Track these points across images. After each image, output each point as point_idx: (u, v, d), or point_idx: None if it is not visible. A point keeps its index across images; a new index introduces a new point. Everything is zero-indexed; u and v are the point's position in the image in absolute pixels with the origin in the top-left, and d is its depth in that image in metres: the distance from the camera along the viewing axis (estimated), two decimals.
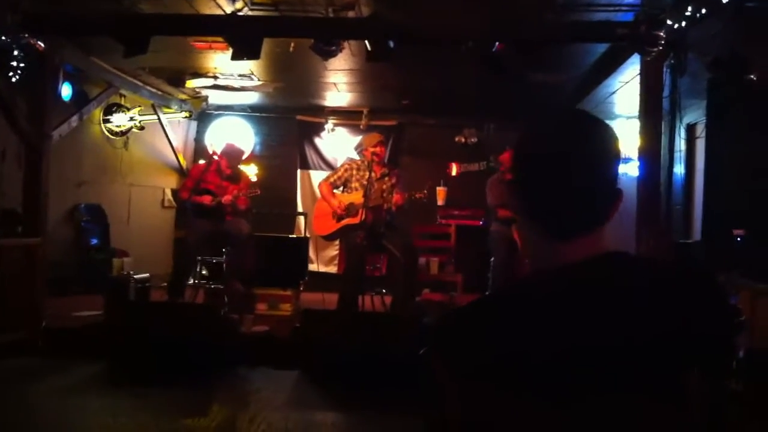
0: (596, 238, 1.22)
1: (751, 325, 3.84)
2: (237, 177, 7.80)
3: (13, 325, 6.32)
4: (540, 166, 1.23)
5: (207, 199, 7.43)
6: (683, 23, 5.21)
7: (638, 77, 6.34)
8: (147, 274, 7.53)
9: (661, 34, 5.41)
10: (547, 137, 1.25)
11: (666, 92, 5.75)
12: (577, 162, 1.20)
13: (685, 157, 6.81)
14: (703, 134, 5.67)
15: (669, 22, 5.36)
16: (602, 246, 1.22)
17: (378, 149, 7.18)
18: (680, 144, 6.76)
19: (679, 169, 6.70)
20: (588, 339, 1.11)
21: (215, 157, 7.91)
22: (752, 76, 5.16)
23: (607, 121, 1.28)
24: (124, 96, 9.53)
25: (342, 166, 7.63)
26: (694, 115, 6.63)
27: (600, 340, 1.11)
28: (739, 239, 5.02)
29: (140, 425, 4.86)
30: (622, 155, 1.24)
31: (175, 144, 10.70)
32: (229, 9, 6.25)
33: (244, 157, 8.50)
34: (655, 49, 5.50)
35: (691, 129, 6.86)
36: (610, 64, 7.02)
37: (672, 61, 5.59)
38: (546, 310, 1.15)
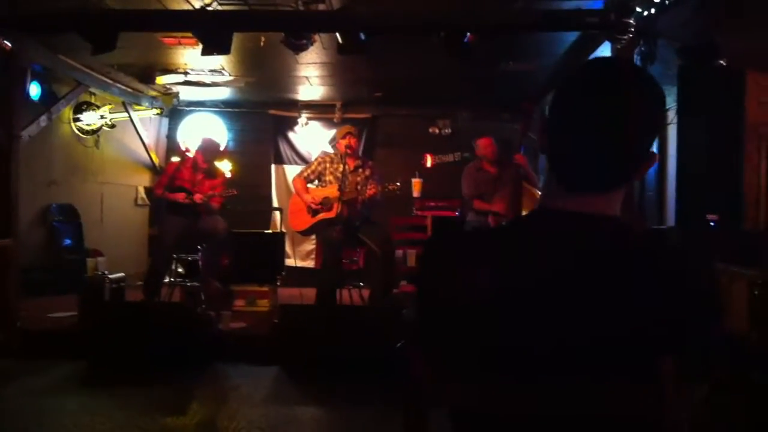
0: (604, 199, 1.19)
1: (727, 310, 3.88)
2: (213, 172, 7.75)
3: None
4: (565, 111, 1.21)
5: (181, 196, 7.37)
6: (653, 10, 5.24)
7: None
8: (122, 274, 7.46)
9: (631, 21, 5.43)
10: (583, 83, 1.21)
11: None
12: (603, 116, 1.16)
13: (658, 143, 6.86)
14: (675, 120, 5.69)
15: (639, 9, 5.38)
16: (607, 208, 1.19)
17: (350, 141, 7.15)
18: None
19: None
20: (541, 296, 1.12)
21: (188, 154, 7.84)
22: (722, 62, 5.19)
23: None
24: (94, 94, 9.42)
25: (315, 159, 7.60)
26: (666, 101, 6.67)
27: (555, 302, 1.11)
28: (713, 224, 5.06)
29: (118, 425, 4.81)
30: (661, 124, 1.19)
31: (147, 141, 10.61)
32: (197, 4, 6.19)
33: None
34: (625, 37, 5.53)
35: None
36: (582, 52, 7.04)
37: (642, 49, 5.62)
38: (509, 256, 1.17)
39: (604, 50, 6.46)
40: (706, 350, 1.09)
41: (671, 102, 6.22)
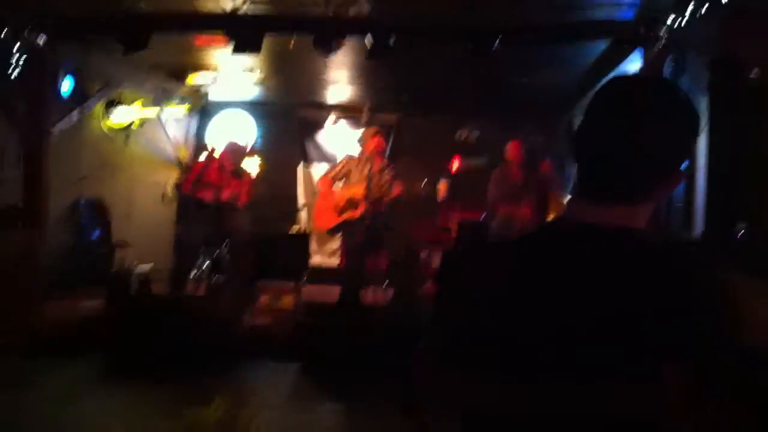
0: (628, 212, 1.20)
1: (750, 324, 3.85)
2: (239, 173, 7.81)
3: (14, 318, 6.34)
4: (593, 123, 1.22)
5: (208, 195, 7.43)
6: (683, 22, 5.20)
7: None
8: (148, 267, 7.52)
9: (661, 33, 5.40)
10: (612, 97, 1.22)
11: None
12: (630, 131, 1.16)
13: None
14: (704, 132, 5.65)
15: (669, 21, 5.35)
16: (629, 221, 1.19)
17: (377, 140, 7.17)
18: None
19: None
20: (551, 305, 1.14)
21: (215, 154, 7.90)
22: (752, 74, 5.14)
23: None
24: (125, 92, 9.49)
25: (342, 160, 7.62)
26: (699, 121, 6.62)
27: (564, 310, 1.13)
28: (740, 236, 5.02)
29: (142, 418, 4.88)
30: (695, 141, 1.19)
31: (175, 139, 10.69)
32: (228, 6, 6.23)
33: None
34: (655, 48, 5.50)
35: None
36: (610, 63, 7.01)
37: (672, 60, 5.58)
38: (522, 265, 1.21)
39: (634, 61, 6.43)
40: (717, 358, 1.10)
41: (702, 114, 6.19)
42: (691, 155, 6.83)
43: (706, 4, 4.87)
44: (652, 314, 1.08)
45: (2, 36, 6.21)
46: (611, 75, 6.13)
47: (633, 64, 6.58)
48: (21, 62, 6.41)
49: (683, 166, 1.22)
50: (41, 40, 6.50)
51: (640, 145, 1.16)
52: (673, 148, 1.20)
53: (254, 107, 10.99)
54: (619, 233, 1.18)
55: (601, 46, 6.71)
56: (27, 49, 6.43)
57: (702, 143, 6.05)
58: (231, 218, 7.53)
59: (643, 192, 1.20)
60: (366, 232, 6.95)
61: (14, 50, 6.35)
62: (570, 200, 1.29)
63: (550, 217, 6.94)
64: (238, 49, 6.42)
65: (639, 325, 1.08)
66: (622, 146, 1.16)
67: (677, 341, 1.07)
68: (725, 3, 4.62)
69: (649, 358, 1.07)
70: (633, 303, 1.09)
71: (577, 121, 1.27)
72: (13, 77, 6.42)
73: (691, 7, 5.02)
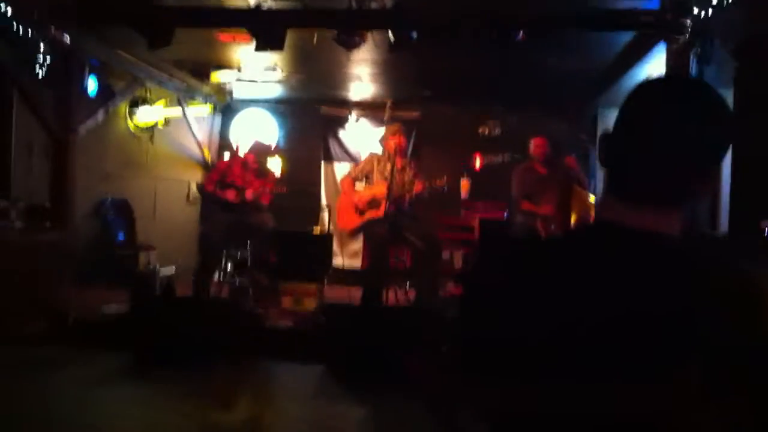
0: (664, 216, 1.19)
1: None
2: (263, 172, 7.84)
3: (39, 317, 6.39)
4: (630, 126, 1.21)
5: (231, 195, 7.46)
6: (710, 11, 5.14)
7: (664, 66, 6.27)
8: (172, 268, 7.56)
9: (687, 21, 5.34)
10: (650, 100, 1.22)
11: None
12: (669, 133, 1.16)
13: None
14: None
15: (695, 9, 5.28)
16: (666, 225, 1.19)
17: (398, 139, 7.15)
18: None
19: None
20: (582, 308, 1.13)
21: (239, 152, 7.93)
22: None
23: None
24: (150, 90, 9.57)
25: (363, 159, 7.62)
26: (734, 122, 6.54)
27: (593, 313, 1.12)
28: (766, 232, 4.94)
29: (167, 418, 4.89)
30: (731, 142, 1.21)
31: (199, 137, 10.75)
32: (252, 1, 6.25)
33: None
34: (681, 37, 5.44)
35: None
36: (636, 53, 6.93)
37: (698, 50, 5.52)
38: (559, 267, 1.19)
39: (659, 51, 6.36)
40: (740, 363, 1.08)
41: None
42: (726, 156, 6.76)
43: None
44: (689, 321, 1.07)
45: (28, 34, 6.27)
46: (636, 66, 6.08)
47: (658, 55, 6.51)
48: (47, 60, 6.46)
49: (719, 166, 1.22)
50: (67, 39, 6.55)
51: (678, 148, 1.16)
52: (710, 150, 1.20)
53: (277, 105, 11.01)
54: (659, 238, 1.17)
55: (626, 36, 6.64)
56: (53, 47, 6.49)
57: None
58: (254, 218, 7.55)
59: (682, 194, 1.19)
60: (388, 231, 6.93)
61: (40, 48, 6.40)
62: (604, 202, 1.26)
63: (574, 213, 6.89)
64: (260, 47, 6.43)
65: (679, 331, 1.07)
66: (661, 150, 1.16)
67: (710, 347, 1.06)
68: None
69: (679, 362, 1.06)
70: (669, 309, 1.08)
71: (605, 118, 1.25)
72: (39, 76, 6.47)
73: None
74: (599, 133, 8.33)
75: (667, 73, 1.31)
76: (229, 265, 7.93)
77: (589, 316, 1.11)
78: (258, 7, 6.27)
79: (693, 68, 5.68)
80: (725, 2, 4.93)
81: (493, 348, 1.20)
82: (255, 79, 9.22)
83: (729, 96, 5.59)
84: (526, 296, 1.18)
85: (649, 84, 1.26)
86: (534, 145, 7.42)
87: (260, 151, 7.90)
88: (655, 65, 6.98)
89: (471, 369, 1.27)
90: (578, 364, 1.11)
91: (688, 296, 1.09)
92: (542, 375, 1.14)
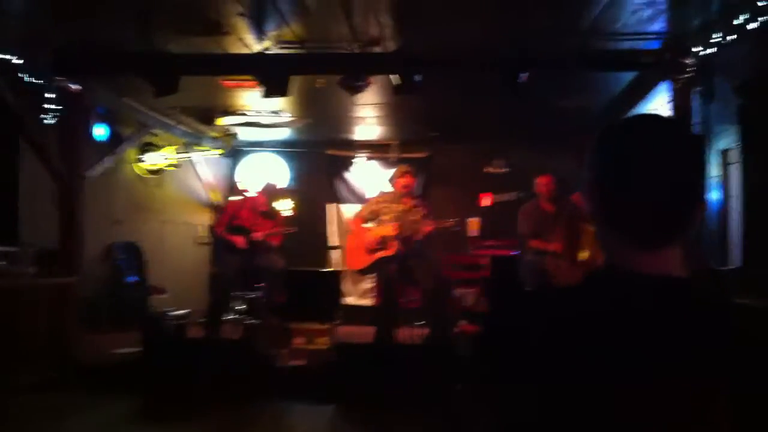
0: (672, 255, 1.19)
1: None
2: (272, 214, 7.88)
3: (48, 362, 6.39)
4: (619, 170, 1.20)
5: (240, 241, 7.48)
6: (710, 50, 5.17)
7: (668, 103, 6.29)
8: (184, 311, 7.56)
9: (688, 61, 5.37)
10: (631, 143, 1.22)
11: (696, 118, 5.68)
12: (660, 171, 1.17)
13: (720, 183, 6.71)
14: (737, 160, 5.57)
15: (695, 48, 5.32)
16: (675, 265, 1.19)
17: (406, 180, 7.17)
18: (714, 170, 6.67)
19: (713, 196, 6.61)
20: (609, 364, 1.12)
21: (247, 194, 7.96)
22: None
23: None
24: (157, 135, 9.65)
25: (373, 199, 7.62)
26: (727, 140, 6.55)
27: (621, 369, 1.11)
28: None
29: None
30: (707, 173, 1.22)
31: (207, 181, 10.81)
32: (256, 48, 6.33)
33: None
34: (683, 76, 5.47)
35: (724, 155, 6.77)
36: (639, 91, 6.99)
37: (700, 88, 5.54)
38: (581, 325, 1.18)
39: (662, 89, 6.40)
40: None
41: (733, 142, 6.10)
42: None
43: (732, 31, 4.82)
44: (722, 366, 1.09)
45: (37, 82, 6.35)
46: (640, 103, 6.10)
47: (662, 92, 6.55)
48: (55, 107, 6.54)
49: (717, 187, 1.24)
50: (74, 87, 6.63)
51: (672, 185, 1.17)
52: (699, 178, 1.21)
53: (284, 147, 11.10)
54: (676, 284, 1.18)
55: (629, 75, 6.69)
56: (61, 94, 6.57)
57: (734, 172, 5.96)
58: (264, 259, 7.57)
59: (685, 228, 1.20)
60: (398, 270, 6.93)
61: (48, 96, 6.48)
62: (610, 248, 1.26)
63: (585, 250, 6.86)
64: (268, 94, 6.50)
65: (701, 379, 1.08)
66: (657, 189, 1.17)
67: (743, 394, 1.08)
68: (750, 30, 4.58)
69: (714, 408, 1.07)
70: (694, 357, 1.10)
71: (597, 173, 1.25)
72: (47, 122, 6.54)
73: (717, 36, 4.99)
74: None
75: (629, 117, 1.32)
76: (240, 306, 7.93)
77: (625, 369, 1.11)
78: (262, 53, 6.35)
79: (696, 105, 5.71)
80: (726, 40, 4.97)
81: (531, 406, 1.18)
82: (260, 123, 9.28)
83: (734, 132, 5.61)
84: (557, 351, 1.16)
85: (622, 126, 1.27)
86: (539, 183, 7.42)
87: (271, 193, 7.93)
88: (659, 101, 7.02)
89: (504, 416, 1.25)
90: (615, 415, 1.10)
91: (718, 342, 1.11)
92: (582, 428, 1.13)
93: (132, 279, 8.97)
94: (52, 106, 6.55)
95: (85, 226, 7.12)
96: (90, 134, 7.59)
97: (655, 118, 1.31)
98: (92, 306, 7.80)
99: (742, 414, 1.07)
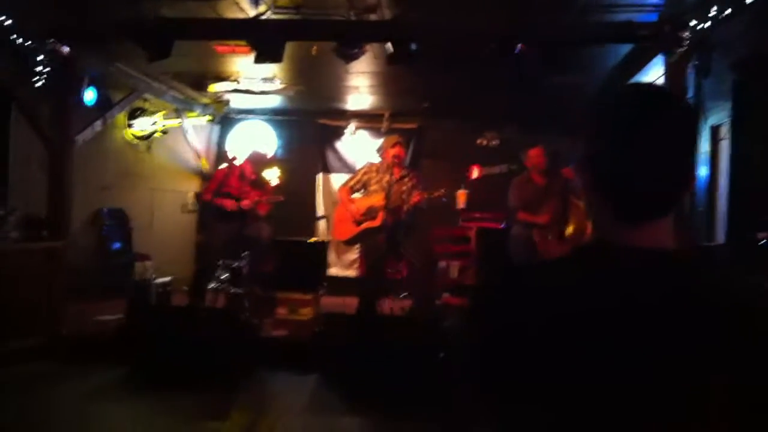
0: (662, 228, 1.19)
1: None
2: (260, 183, 7.85)
3: (34, 329, 6.37)
4: (614, 141, 1.19)
5: (229, 203, 7.46)
6: (707, 24, 5.16)
7: (662, 78, 6.30)
8: (168, 278, 7.55)
9: (685, 34, 5.36)
10: (625, 114, 1.20)
11: (690, 93, 5.69)
12: (654, 143, 1.16)
13: (709, 159, 6.75)
14: (728, 136, 5.60)
15: (693, 22, 5.31)
16: (665, 239, 1.19)
17: (397, 150, 7.15)
18: (704, 146, 6.70)
19: (702, 172, 6.64)
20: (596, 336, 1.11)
21: (236, 162, 7.92)
22: None
23: None
24: (148, 100, 9.58)
25: (361, 169, 7.60)
26: (718, 116, 6.57)
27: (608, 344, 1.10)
28: (764, 242, 4.95)
29: (161, 429, 4.88)
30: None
31: (197, 148, 10.76)
32: (251, 13, 6.26)
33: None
34: (679, 50, 5.46)
35: (715, 131, 6.80)
36: (634, 65, 6.96)
37: (696, 62, 5.54)
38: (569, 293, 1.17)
39: (657, 63, 6.39)
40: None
41: (724, 118, 6.11)
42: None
43: (730, 5, 4.82)
44: (713, 341, 1.08)
45: (27, 45, 6.28)
46: (635, 77, 6.09)
47: (657, 66, 6.55)
48: (45, 71, 6.47)
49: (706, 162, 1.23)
50: (65, 50, 6.56)
51: (669, 153, 1.17)
52: (692, 150, 1.21)
53: (275, 115, 11.04)
54: (666, 258, 1.18)
55: (625, 48, 6.67)
56: (51, 58, 6.49)
57: (724, 148, 5.98)
58: (251, 228, 7.55)
59: (675, 200, 1.20)
60: (385, 241, 6.93)
61: (38, 59, 6.41)
62: (600, 222, 1.25)
63: (572, 224, 6.88)
64: (260, 59, 6.45)
65: (705, 352, 1.08)
66: (654, 159, 1.16)
67: (729, 372, 1.07)
68: (749, 3, 4.57)
69: (706, 384, 1.06)
70: (690, 334, 1.09)
71: (590, 143, 1.24)
72: (37, 86, 6.47)
73: (714, 8, 4.98)
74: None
75: (626, 85, 1.30)
76: (225, 275, 7.93)
77: (615, 342, 1.10)
78: (257, 18, 6.29)
79: (691, 80, 5.71)
80: (723, 16, 4.96)
81: (511, 378, 1.17)
82: (253, 90, 9.22)
83: (728, 108, 5.62)
84: (543, 325, 1.15)
85: (616, 97, 1.27)
86: (531, 155, 7.41)
87: (258, 161, 7.90)
88: (653, 76, 7.02)
89: (488, 395, 1.24)
90: (603, 391, 1.09)
91: (709, 314, 1.10)
92: (565, 404, 1.12)
93: (118, 246, 8.94)
94: (43, 70, 6.48)
95: (73, 191, 7.07)
96: (80, 99, 7.51)
97: (650, 88, 1.29)
98: (77, 273, 7.77)
99: (738, 396, 1.06)
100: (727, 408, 1.05)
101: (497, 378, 1.20)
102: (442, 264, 8.79)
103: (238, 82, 8.91)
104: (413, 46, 6.22)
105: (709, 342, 1.08)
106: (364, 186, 7.37)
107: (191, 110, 10.35)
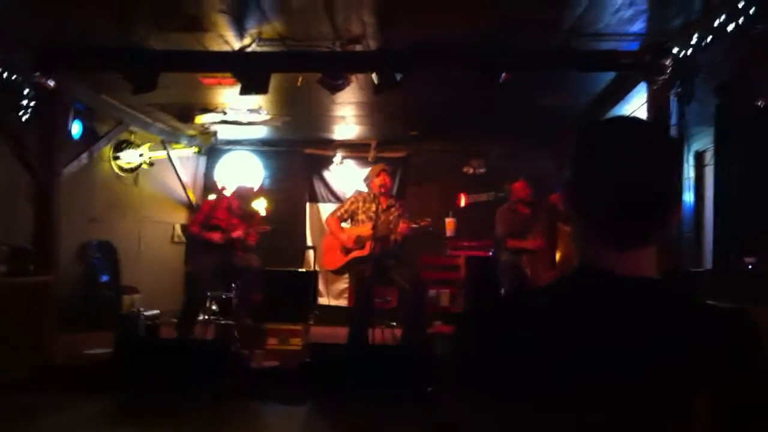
0: (646, 256, 1.20)
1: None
2: (248, 216, 7.84)
3: (22, 362, 6.31)
4: (598, 170, 1.21)
5: (216, 236, 7.45)
6: (689, 51, 5.23)
7: (645, 105, 6.36)
8: (157, 311, 7.51)
9: (667, 62, 5.43)
10: (610, 143, 1.22)
11: (673, 120, 5.75)
12: (639, 172, 1.17)
13: (694, 184, 6.79)
14: (712, 161, 5.64)
15: (675, 50, 5.37)
16: (648, 266, 1.20)
17: (383, 179, 7.17)
18: (689, 171, 6.75)
19: (688, 197, 6.68)
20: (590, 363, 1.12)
21: (225, 193, 7.91)
22: (759, 102, 5.15)
23: None
24: (134, 132, 9.58)
25: (348, 199, 7.63)
26: (703, 142, 6.63)
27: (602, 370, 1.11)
28: (750, 267, 4.98)
29: None
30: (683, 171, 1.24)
31: (184, 179, 10.75)
32: (237, 45, 6.30)
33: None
34: (662, 78, 5.52)
35: (699, 156, 6.86)
36: (617, 92, 7.04)
37: (678, 89, 5.60)
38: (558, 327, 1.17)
39: (640, 90, 6.46)
40: (748, 400, 1.10)
41: (708, 143, 6.16)
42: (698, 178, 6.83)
43: (711, 32, 4.88)
44: (693, 366, 1.10)
45: (14, 77, 6.28)
46: (619, 104, 6.15)
47: (640, 93, 6.61)
48: (31, 104, 6.47)
49: (691, 188, 1.25)
50: (51, 83, 6.56)
51: (650, 185, 1.18)
52: (675, 179, 1.23)
53: (262, 146, 11.05)
54: (649, 285, 1.19)
55: (609, 75, 6.74)
56: (37, 90, 6.50)
57: (709, 174, 6.02)
58: (240, 258, 7.53)
59: (661, 228, 1.21)
60: (374, 270, 6.92)
61: (24, 92, 6.42)
62: (585, 249, 1.25)
63: (559, 250, 6.91)
64: (245, 91, 6.48)
65: (681, 377, 1.09)
66: (634, 190, 1.17)
67: (722, 388, 1.09)
68: (730, 31, 4.63)
69: (688, 410, 1.08)
70: (673, 356, 1.10)
71: (575, 171, 1.26)
72: (24, 118, 6.47)
73: (696, 35, 5.05)
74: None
75: (608, 118, 1.33)
76: (213, 305, 7.89)
77: (598, 368, 1.11)
78: (242, 51, 6.32)
79: (674, 107, 5.76)
80: (703, 43, 5.02)
81: (497, 404, 1.18)
82: (240, 121, 9.24)
83: (712, 133, 5.67)
84: (529, 352, 1.15)
85: (601, 127, 1.30)
86: (515, 189, 7.48)
87: (244, 196, 7.90)
88: (636, 103, 7.09)
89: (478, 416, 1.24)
90: (589, 412, 1.10)
91: (693, 340, 1.11)
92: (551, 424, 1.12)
93: (105, 278, 8.90)
94: (29, 103, 6.48)
95: (60, 223, 7.04)
96: (67, 131, 7.51)
97: (634, 120, 1.32)
98: (65, 305, 7.71)
99: (720, 416, 1.07)
100: (709, 426, 1.06)
101: (484, 405, 1.20)
102: (432, 292, 8.78)
103: (225, 113, 8.93)
104: (398, 77, 6.26)
105: (691, 366, 1.09)
106: (352, 215, 7.38)
107: (177, 142, 10.35)
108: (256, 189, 9.51)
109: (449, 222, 10.00)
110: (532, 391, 1.13)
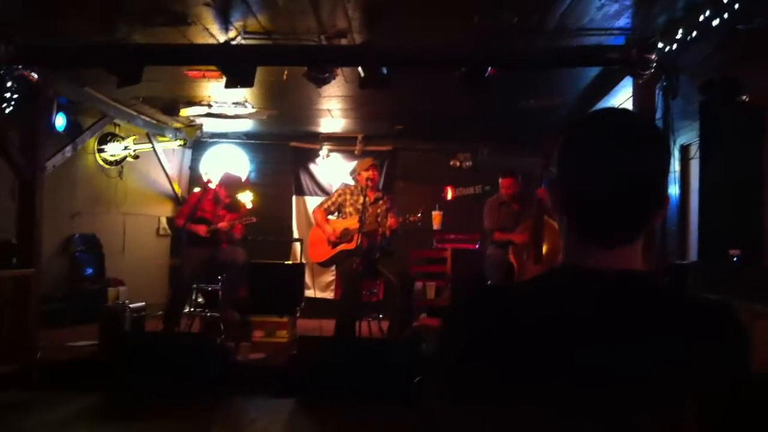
0: (630, 252, 1.20)
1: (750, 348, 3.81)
2: (234, 206, 7.81)
3: (6, 357, 6.28)
4: (582, 167, 1.21)
5: (202, 229, 7.42)
6: (674, 46, 5.24)
7: (630, 100, 6.38)
8: (142, 303, 7.48)
9: (653, 57, 5.44)
10: (595, 137, 1.22)
11: (658, 114, 5.77)
12: (624, 168, 1.16)
13: (680, 178, 6.83)
14: (697, 155, 5.67)
15: (660, 45, 5.39)
16: (634, 262, 1.20)
17: (370, 173, 7.18)
18: (674, 165, 6.78)
19: (673, 190, 6.71)
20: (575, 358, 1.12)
21: (210, 186, 7.88)
22: (744, 98, 5.17)
23: None
24: (119, 125, 9.53)
25: (336, 191, 7.63)
26: (688, 136, 6.67)
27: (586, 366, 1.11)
28: (735, 259, 5.01)
29: None
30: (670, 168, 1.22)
31: (169, 172, 10.70)
32: (222, 38, 6.27)
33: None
34: (647, 73, 5.54)
35: (684, 150, 6.89)
36: (603, 88, 7.06)
37: (664, 84, 5.62)
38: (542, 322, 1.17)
39: (626, 85, 6.47)
40: (734, 396, 1.10)
41: (693, 137, 6.19)
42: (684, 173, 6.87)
43: (697, 28, 4.90)
44: (679, 361, 1.10)
45: None
46: (604, 99, 6.17)
47: (625, 88, 6.64)
48: (14, 97, 6.41)
49: (676, 182, 1.24)
50: (34, 75, 6.51)
51: (636, 182, 1.17)
52: (662, 174, 1.22)
53: (248, 139, 11.03)
54: (635, 279, 1.19)
55: (594, 70, 6.75)
56: (20, 83, 6.44)
57: (695, 167, 6.05)
58: (226, 251, 7.51)
59: (645, 225, 1.21)
60: (360, 263, 6.93)
61: (7, 84, 6.36)
62: (569, 246, 1.26)
63: (546, 244, 6.92)
64: (230, 84, 6.44)
65: (667, 372, 1.09)
66: (624, 184, 1.17)
67: (708, 383, 1.10)
68: (715, 26, 4.65)
69: (677, 406, 1.08)
70: (657, 351, 1.10)
71: (561, 167, 1.25)
72: (6, 111, 6.41)
73: (681, 31, 5.06)
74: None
75: (597, 110, 1.31)
76: (199, 298, 7.87)
77: (582, 363, 1.11)
78: (227, 44, 6.29)
79: (659, 101, 5.78)
80: (689, 39, 5.04)
81: (482, 398, 1.18)
82: (225, 114, 9.21)
83: (697, 127, 5.70)
84: (513, 345, 1.15)
85: (588, 123, 1.28)
86: (503, 185, 7.49)
87: (231, 184, 7.87)
88: (622, 98, 7.11)
89: (461, 410, 1.23)
90: (573, 408, 1.10)
91: (679, 334, 1.12)
92: (536, 419, 1.12)
93: (90, 271, 8.86)
94: (12, 96, 6.42)
95: (44, 217, 7.00)
96: (50, 124, 7.46)
97: (621, 113, 1.30)
98: (50, 299, 7.69)
99: (707, 413, 1.08)
100: (697, 423, 1.07)
101: (469, 398, 1.20)
102: (419, 285, 8.79)
103: (210, 107, 8.90)
104: (384, 71, 6.25)
105: (677, 362, 1.10)
106: (339, 208, 7.39)
107: (163, 135, 10.30)
108: (243, 180, 9.48)
109: (436, 215, 10.02)
110: (520, 388, 1.13)
